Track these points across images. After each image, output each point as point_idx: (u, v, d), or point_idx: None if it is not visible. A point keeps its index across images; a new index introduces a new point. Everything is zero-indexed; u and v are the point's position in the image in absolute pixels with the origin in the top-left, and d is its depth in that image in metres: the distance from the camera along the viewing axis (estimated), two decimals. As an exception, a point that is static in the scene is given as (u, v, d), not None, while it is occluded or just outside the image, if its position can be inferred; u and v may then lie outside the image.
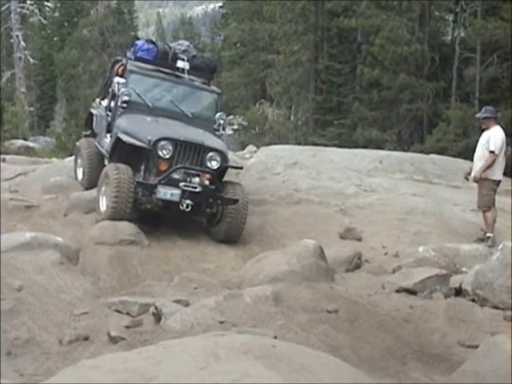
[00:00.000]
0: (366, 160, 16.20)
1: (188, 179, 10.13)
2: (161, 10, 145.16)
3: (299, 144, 26.10)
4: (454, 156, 20.07)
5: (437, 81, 29.95)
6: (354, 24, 30.81)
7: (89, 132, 12.92)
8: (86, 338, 5.81)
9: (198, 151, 10.28)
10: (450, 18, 34.91)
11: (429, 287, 7.96)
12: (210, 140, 10.72)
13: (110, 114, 11.59)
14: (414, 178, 15.18)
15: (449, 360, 5.95)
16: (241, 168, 12.10)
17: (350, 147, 19.89)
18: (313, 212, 12.16)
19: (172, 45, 12.24)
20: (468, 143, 18.04)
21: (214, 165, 10.37)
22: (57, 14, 54.86)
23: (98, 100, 13.09)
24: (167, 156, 10.10)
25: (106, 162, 11.49)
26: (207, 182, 10.29)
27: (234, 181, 11.27)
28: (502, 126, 11.66)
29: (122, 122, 10.86)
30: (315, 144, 24.40)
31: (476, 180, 11.09)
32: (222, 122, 11.54)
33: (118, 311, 6.58)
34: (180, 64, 11.69)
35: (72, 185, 12.27)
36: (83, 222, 10.45)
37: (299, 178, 14.11)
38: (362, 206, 12.76)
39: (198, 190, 10.08)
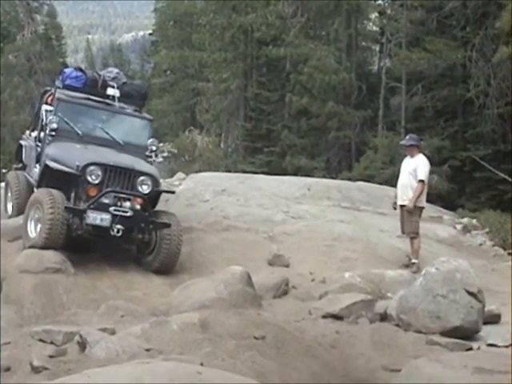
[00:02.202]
0: (293, 187, 16.34)
1: (118, 204, 9.95)
2: (90, 36, 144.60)
3: (229, 171, 26.16)
4: (381, 183, 20.45)
5: (364, 109, 30.55)
6: (282, 53, 31.19)
7: (19, 165, 12.63)
8: (8, 369, 5.68)
9: (128, 176, 10.16)
10: (377, 48, 35.71)
11: (355, 313, 8.06)
12: (140, 165, 10.63)
13: (39, 144, 11.37)
14: (341, 204, 15.34)
15: (373, 384, 6.02)
16: (173, 192, 11.98)
17: (279, 174, 20.05)
18: (241, 239, 12.17)
19: (101, 72, 12.10)
20: (394, 171, 18.36)
21: (145, 189, 10.25)
22: (-19, 40, 54.05)
23: (27, 132, 12.86)
24: (96, 181, 9.95)
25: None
26: (138, 207, 10.14)
27: (166, 210, 11.12)
28: (425, 155, 11.94)
29: (51, 149, 10.67)
30: (245, 171, 24.50)
31: (410, 210, 11.22)
32: (154, 148, 11.44)
33: (41, 340, 6.43)
34: (110, 91, 11.60)
35: (-4, 212, 12.05)
36: (7, 250, 10.17)
37: (227, 205, 14.11)
38: (290, 232, 12.83)
39: (128, 214, 9.91)
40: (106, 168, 10.04)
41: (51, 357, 5.89)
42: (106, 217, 9.77)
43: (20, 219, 10.90)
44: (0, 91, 42.01)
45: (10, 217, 11.90)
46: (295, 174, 23.56)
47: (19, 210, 11.46)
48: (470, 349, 6.88)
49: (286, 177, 19.08)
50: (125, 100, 11.76)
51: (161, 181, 11.50)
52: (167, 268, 10.35)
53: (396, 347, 7.04)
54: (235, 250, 11.57)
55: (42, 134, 11.28)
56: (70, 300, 8.51)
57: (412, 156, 11.47)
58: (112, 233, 9.83)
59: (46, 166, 10.32)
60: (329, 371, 6.29)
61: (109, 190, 9.94)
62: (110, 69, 12.66)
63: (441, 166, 24.49)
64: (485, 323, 7.74)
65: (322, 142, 31.67)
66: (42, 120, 11.32)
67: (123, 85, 11.90)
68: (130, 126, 11.83)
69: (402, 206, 11.44)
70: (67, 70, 11.94)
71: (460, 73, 27.26)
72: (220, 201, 14.44)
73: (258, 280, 9.17)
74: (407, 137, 12.11)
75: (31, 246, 9.59)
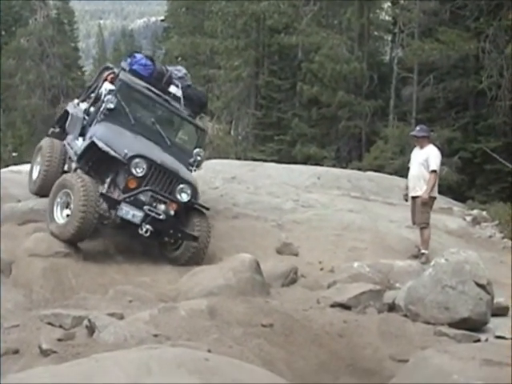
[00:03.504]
0: (303, 176, 16.35)
1: (154, 204, 9.76)
2: (102, 21, 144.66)
3: (239, 159, 26.16)
4: (391, 173, 20.41)
5: (375, 99, 30.47)
6: (294, 41, 31.10)
7: (57, 130, 12.45)
8: (16, 352, 5.70)
9: (170, 179, 9.98)
10: (389, 38, 35.59)
11: (363, 302, 8.05)
12: (184, 172, 10.44)
13: (87, 118, 11.16)
14: (350, 194, 15.35)
15: (380, 374, 6.01)
16: (207, 209, 10.88)
17: (289, 163, 20.06)
18: (250, 227, 12.17)
19: (170, 68, 12.04)
20: (404, 161, 18.33)
21: (184, 198, 10.08)
22: (-6, 23, 54.03)
23: (75, 101, 12.68)
24: (139, 174, 9.70)
25: (66, 167, 11.28)
26: (172, 213, 9.95)
27: (199, 210, 10.61)
28: (436, 145, 11.88)
29: (101, 128, 10.42)
30: (255, 159, 24.51)
31: (425, 202, 11.15)
32: (198, 158, 11.18)
33: (50, 324, 6.46)
34: (172, 89, 11.47)
35: (5, 196, 12.03)
36: (17, 233, 10.18)
37: (237, 193, 14.11)
38: (299, 221, 12.83)
39: (161, 217, 9.72)
40: (151, 164, 9.81)
41: (60, 340, 5.90)
42: (139, 214, 9.57)
43: (30, 203, 10.92)
44: (11, 75, 42.08)
45: (34, 182, 11.79)
46: (305, 163, 23.57)
47: (46, 179, 11.32)
48: (478, 340, 6.87)
49: (296, 165, 19.10)
50: (183, 102, 11.59)
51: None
52: (195, 263, 10.03)
53: (404, 337, 7.03)
54: (244, 238, 11.57)
55: (93, 109, 11.08)
56: (78, 284, 8.52)
57: (422, 147, 11.39)
58: (140, 231, 9.65)
59: (94, 143, 9.96)
60: (336, 360, 6.30)
61: (148, 188, 9.74)
62: (178, 67, 12.54)
63: (451, 157, 24.43)
64: (493, 315, 7.74)
65: (333, 131, 31.64)
66: (99, 94, 11.07)
67: (187, 87, 11.79)
68: (181, 129, 11.75)
69: (413, 198, 11.37)
70: (138, 56, 11.75)
71: (472, 64, 27.14)
72: (230, 188, 14.46)
73: (266, 268, 9.16)
74: (417, 128, 11.99)
75: (57, 235, 9.30)
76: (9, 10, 47.81)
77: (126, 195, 9.62)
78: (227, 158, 25.95)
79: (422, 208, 11.15)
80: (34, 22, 43.21)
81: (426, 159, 11.16)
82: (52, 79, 42.28)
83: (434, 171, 11.11)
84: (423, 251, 11.07)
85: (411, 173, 11.47)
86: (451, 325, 7.26)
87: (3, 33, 48.61)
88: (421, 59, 26.54)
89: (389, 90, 30.47)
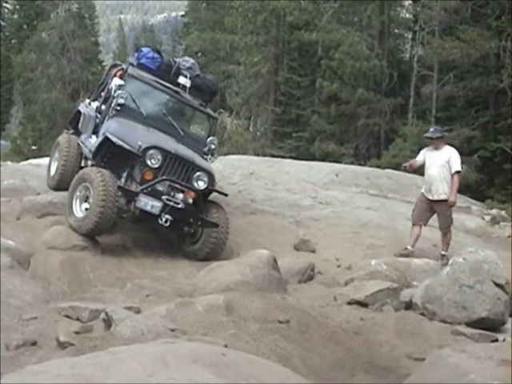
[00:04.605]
0: (322, 173, 16.32)
1: (171, 194, 9.77)
2: (122, 16, 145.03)
3: (257, 155, 26.17)
4: (409, 172, 20.30)
5: (394, 97, 30.42)
6: (314, 38, 31.12)
7: (71, 131, 12.44)
8: (34, 343, 5.73)
9: (186, 168, 9.98)
10: (409, 35, 35.49)
11: (380, 300, 8.01)
12: (199, 160, 10.45)
13: (99, 116, 11.22)
14: (369, 192, 15.31)
15: (396, 372, 5.99)
16: (225, 195, 11.16)
17: (307, 160, 20.04)
18: (268, 223, 12.16)
19: (177, 59, 12.04)
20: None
21: (201, 185, 10.07)
22: (16, 16, 54.28)
23: (87, 101, 12.74)
24: (155, 166, 9.73)
25: (83, 163, 11.34)
26: (191, 201, 9.97)
27: (216, 202, 10.74)
28: (451, 145, 11.72)
29: (113, 124, 10.45)
30: (273, 155, 24.53)
31: (453, 205, 11.00)
32: (213, 146, 11.22)
33: (67, 316, 6.51)
34: (181, 80, 11.45)
35: (25, 188, 12.12)
36: (36, 226, 10.24)
37: (255, 189, 14.11)
38: (317, 218, 12.80)
39: (180, 206, 9.73)
40: (166, 155, 9.83)
41: (77, 333, 5.94)
42: (158, 204, 9.60)
43: (49, 196, 10.97)
44: (32, 69, 42.34)
45: (52, 178, 11.87)
46: (323, 160, 23.55)
47: (63, 175, 11.41)
48: (496, 340, 6.83)
49: (315, 162, 19.08)
50: (193, 92, 11.58)
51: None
52: (213, 257, 10.04)
53: (420, 336, 7.01)
54: (262, 234, 11.55)
55: (104, 107, 11.11)
56: (96, 278, 8.55)
57: (438, 148, 11.09)
58: (160, 222, 9.67)
59: (107, 138, 10.02)
60: (352, 357, 6.28)
61: (165, 178, 9.75)
62: (186, 58, 12.56)
63: (470, 156, 24.33)
64: (511, 315, 7.69)
65: (352, 128, 31.58)
66: (109, 90, 11.09)
67: (196, 77, 11.74)
68: (193, 119, 11.79)
69: (435, 201, 11.08)
70: (145, 49, 11.79)
71: (493, 63, 27.04)
72: (248, 184, 14.46)
73: (283, 264, 9.12)
74: (431, 129, 11.79)
75: (75, 229, 9.38)
76: (31, 2, 48.09)
77: (144, 186, 9.65)
78: (245, 153, 25.95)
79: (447, 212, 10.93)
80: (56, 16, 43.45)
81: (447, 161, 10.88)
82: (72, 73, 42.51)
83: (458, 172, 10.94)
84: (443, 253, 10.86)
85: (432, 175, 11.06)
86: (468, 324, 7.22)
87: (25, 27, 48.89)
88: (441, 57, 26.47)
89: (408, 87, 30.40)
